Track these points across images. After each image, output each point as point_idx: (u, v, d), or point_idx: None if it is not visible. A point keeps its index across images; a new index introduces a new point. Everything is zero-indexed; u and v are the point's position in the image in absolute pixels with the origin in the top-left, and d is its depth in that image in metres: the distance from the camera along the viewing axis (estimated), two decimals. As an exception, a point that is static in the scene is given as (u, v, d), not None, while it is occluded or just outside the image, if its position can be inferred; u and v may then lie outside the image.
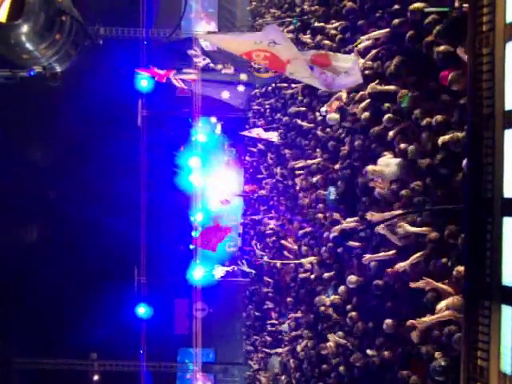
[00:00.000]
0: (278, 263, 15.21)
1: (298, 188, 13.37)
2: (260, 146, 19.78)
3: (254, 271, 19.61)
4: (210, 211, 26.66)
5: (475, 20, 5.01)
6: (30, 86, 21.28)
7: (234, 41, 8.36)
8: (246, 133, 18.52)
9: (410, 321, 6.62)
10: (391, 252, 7.55)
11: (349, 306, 9.33)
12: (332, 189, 10.22)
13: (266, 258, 17.34)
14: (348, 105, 9.43)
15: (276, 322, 16.55)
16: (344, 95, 9.72)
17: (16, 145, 25.61)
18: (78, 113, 24.64)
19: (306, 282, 12.26)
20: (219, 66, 10.40)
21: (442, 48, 6.21)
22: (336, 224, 9.87)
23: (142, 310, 25.77)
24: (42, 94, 23.62)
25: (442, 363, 5.96)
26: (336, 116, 10.09)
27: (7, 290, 24.56)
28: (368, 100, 8.49)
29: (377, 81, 8.19)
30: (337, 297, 9.92)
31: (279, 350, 15.61)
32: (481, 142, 4.92)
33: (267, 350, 17.63)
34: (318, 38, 11.19)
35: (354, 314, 9.05)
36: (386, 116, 7.74)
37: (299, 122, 13.18)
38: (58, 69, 20.47)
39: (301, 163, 12.91)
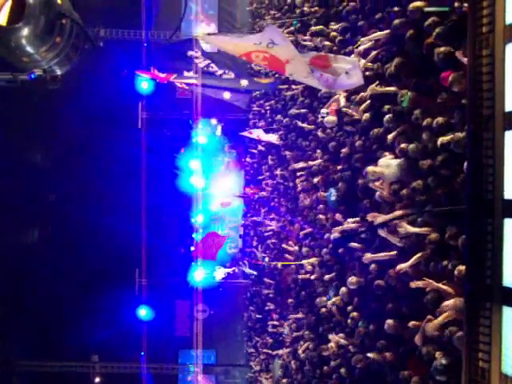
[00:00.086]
0: (279, 264, 15.21)
1: (298, 189, 13.38)
2: (260, 147, 19.78)
3: (255, 272, 19.60)
4: (210, 213, 26.65)
5: (475, 22, 5.01)
6: (30, 89, 21.25)
7: (233, 42, 8.37)
8: (246, 134, 18.51)
9: (414, 323, 6.62)
10: (392, 253, 7.55)
11: (350, 307, 9.33)
12: (333, 190, 10.22)
13: (266, 259, 17.35)
14: (348, 107, 9.43)
15: (277, 323, 16.54)
16: (342, 99, 9.73)
17: (17, 147, 25.62)
18: (79, 115, 24.63)
19: (307, 284, 12.26)
20: (219, 72, 10.40)
21: (442, 49, 6.21)
22: (337, 225, 9.88)
23: (143, 312, 25.75)
24: (43, 96, 23.62)
25: (444, 362, 5.96)
26: (333, 118, 10.11)
27: (9, 292, 24.56)
28: (368, 101, 8.50)
29: (376, 82, 8.20)
30: (338, 298, 9.92)
31: (280, 352, 15.60)
32: (481, 144, 4.93)
33: (268, 351, 17.62)
34: (319, 39, 11.20)
35: (355, 314, 9.05)
36: (387, 116, 7.74)
37: (299, 123, 13.19)
38: (59, 72, 20.49)
39: (301, 164, 12.91)
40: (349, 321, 9.16)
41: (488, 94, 4.89)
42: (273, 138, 16.28)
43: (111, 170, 25.41)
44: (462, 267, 5.62)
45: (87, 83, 24.08)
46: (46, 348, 25.65)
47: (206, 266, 24.16)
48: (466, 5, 5.75)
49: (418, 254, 6.81)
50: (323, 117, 10.54)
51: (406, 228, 6.84)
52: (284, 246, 15.20)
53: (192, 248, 26.29)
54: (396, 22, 7.47)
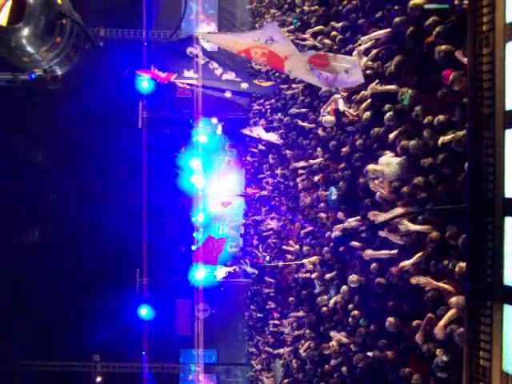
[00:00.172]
0: (280, 264, 15.21)
1: (299, 188, 13.38)
2: (261, 146, 19.78)
3: (256, 271, 19.60)
4: (210, 212, 26.67)
5: (475, 20, 5.01)
6: (30, 89, 21.28)
7: (232, 39, 8.40)
8: (246, 131, 18.48)
9: (418, 322, 6.62)
10: (393, 251, 7.56)
11: (351, 306, 9.33)
12: (333, 189, 10.23)
13: (267, 258, 17.36)
14: (348, 108, 9.44)
15: (278, 322, 16.55)
16: (340, 100, 9.75)
17: (17, 147, 25.64)
18: (79, 115, 24.65)
19: (308, 283, 12.27)
20: (219, 71, 10.37)
21: (443, 47, 6.21)
22: (338, 223, 9.89)
23: (144, 312, 25.78)
24: (43, 96, 23.64)
25: (445, 358, 5.96)
26: (331, 118, 10.13)
27: (10, 292, 24.59)
28: (369, 100, 8.50)
29: (376, 81, 8.20)
30: (339, 296, 9.92)
31: (281, 351, 15.60)
32: (481, 142, 4.93)
33: (270, 350, 17.63)
34: (319, 37, 11.20)
35: (356, 312, 9.05)
36: (388, 114, 7.74)
37: (300, 122, 13.20)
38: (59, 71, 20.49)
39: (302, 163, 12.92)
40: (350, 319, 9.16)
41: (488, 93, 4.89)
42: (273, 137, 16.27)
43: (112, 169, 25.44)
44: (463, 264, 5.62)
45: (87, 83, 24.10)
46: (47, 347, 25.68)
47: (207, 266, 24.17)
48: (466, 2, 5.75)
49: (420, 253, 6.81)
50: (325, 115, 10.56)
51: (407, 226, 6.85)
52: (284, 247, 15.20)
53: (193, 247, 26.33)
54: (396, 19, 7.47)
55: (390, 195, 7.60)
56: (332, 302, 10.13)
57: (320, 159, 11.57)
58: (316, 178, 11.66)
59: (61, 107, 24.68)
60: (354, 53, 8.65)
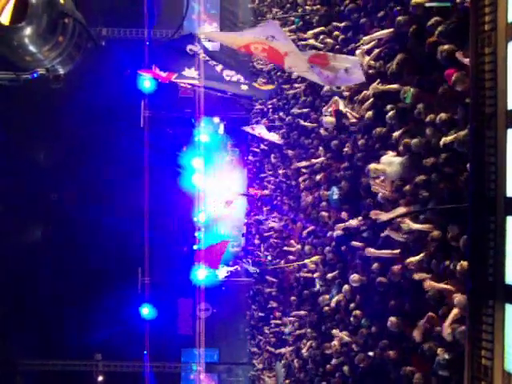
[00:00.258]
0: (282, 263, 15.21)
1: (301, 187, 13.38)
2: (263, 146, 19.79)
3: (258, 270, 19.60)
4: (211, 213, 26.66)
5: (477, 19, 5.01)
6: (33, 89, 21.27)
7: (232, 36, 8.41)
8: (248, 129, 18.39)
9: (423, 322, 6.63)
10: (396, 251, 7.56)
11: (352, 305, 9.33)
12: (335, 189, 10.23)
13: (269, 258, 17.35)
14: (350, 109, 9.44)
15: (279, 321, 16.55)
16: (341, 102, 9.75)
17: (19, 146, 25.66)
18: (81, 114, 24.67)
19: (310, 282, 12.27)
20: (220, 67, 10.35)
21: (445, 47, 6.20)
22: (340, 222, 9.89)
23: (146, 311, 25.79)
24: (45, 95, 23.63)
25: (446, 356, 5.97)
26: (332, 119, 10.14)
27: (11, 291, 24.61)
28: (371, 99, 8.50)
29: (378, 80, 8.20)
30: (341, 295, 9.92)
31: (283, 351, 15.60)
32: (483, 142, 4.93)
33: (272, 350, 17.63)
34: (321, 36, 11.19)
35: (358, 312, 9.05)
36: (390, 113, 7.73)
37: (302, 122, 13.19)
38: (61, 71, 20.47)
39: (304, 163, 12.92)
40: (352, 318, 9.16)
41: (490, 92, 4.89)
42: (274, 137, 16.25)
43: (114, 168, 25.43)
44: (465, 263, 5.62)
45: (90, 82, 24.09)
46: (49, 347, 25.72)
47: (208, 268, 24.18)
48: (467, 0, 5.76)
49: (422, 254, 6.82)
50: (327, 115, 10.57)
51: (409, 224, 6.86)
52: (286, 248, 15.19)
53: (195, 247, 26.35)
54: (399, 18, 7.47)
55: (392, 194, 7.60)
56: (334, 300, 10.13)
57: (322, 158, 11.57)
58: (318, 177, 11.66)
59: (63, 106, 24.69)
60: (358, 52, 8.64)
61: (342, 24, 10.26)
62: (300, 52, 7.87)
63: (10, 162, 24.64)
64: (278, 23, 8.26)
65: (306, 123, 12.90)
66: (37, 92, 22.93)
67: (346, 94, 9.72)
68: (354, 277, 8.99)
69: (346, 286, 9.58)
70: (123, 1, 26.29)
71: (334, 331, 9.95)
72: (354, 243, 8.86)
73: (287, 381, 14.98)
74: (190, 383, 27.69)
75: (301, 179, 13.33)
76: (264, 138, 17.81)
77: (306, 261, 12.16)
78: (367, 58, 8.47)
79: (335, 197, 10.23)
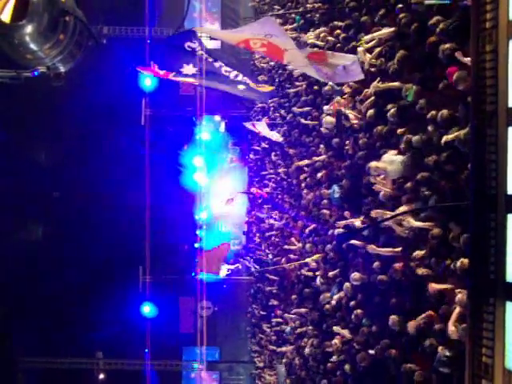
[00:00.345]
0: (283, 261, 15.20)
1: (302, 186, 13.37)
2: (264, 144, 19.78)
3: (258, 267, 19.61)
4: (213, 211, 26.70)
5: (478, 17, 5.00)
6: (34, 87, 21.29)
7: (230, 33, 8.39)
8: (249, 125, 18.34)
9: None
10: (397, 249, 7.56)
11: (353, 302, 9.32)
12: (336, 187, 10.21)
13: (270, 256, 17.35)
14: (353, 108, 9.44)
15: (281, 320, 16.55)
16: (342, 100, 9.74)
17: (20, 144, 25.70)
18: (82, 112, 24.70)
19: (311, 280, 12.26)
20: (218, 64, 10.32)
21: (447, 45, 6.19)
22: (341, 220, 9.89)
23: (147, 309, 25.82)
24: (46, 93, 23.66)
25: (447, 353, 5.96)
26: (332, 119, 10.13)
27: (13, 289, 24.65)
28: (372, 98, 8.49)
29: (378, 79, 8.19)
30: (342, 293, 9.91)
31: (284, 349, 15.60)
32: (484, 140, 4.93)
33: (273, 348, 17.63)
34: (322, 34, 11.18)
35: (359, 311, 9.04)
36: (392, 110, 7.71)
37: (303, 120, 13.18)
38: (62, 69, 20.49)
39: (306, 161, 12.91)
40: (352, 317, 9.16)
41: (491, 90, 4.88)
42: (275, 136, 16.20)
43: (115, 166, 25.47)
44: (466, 260, 5.62)
45: (91, 80, 24.12)
46: (51, 344, 25.76)
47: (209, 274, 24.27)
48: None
49: (423, 252, 6.83)
50: (328, 113, 10.56)
51: (410, 222, 6.86)
52: (286, 246, 15.18)
53: (196, 245, 26.39)
54: (400, 16, 7.46)
55: (393, 191, 7.59)
56: (335, 298, 10.12)
57: (323, 156, 11.57)
58: (319, 175, 11.66)
59: (64, 104, 24.72)
60: (359, 49, 8.63)
61: (344, 23, 10.25)
62: (299, 50, 7.87)
63: (11, 160, 24.67)
64: (275, 20, 8.25)
65: (307, 121, 12.89)
66: (38, 90, 22.96)
67: (347, 90, 9.69)
68: (355, 275, 8.98)
69: (347, 284, 9.57)
70: (124, -1, 26.35)
71: (335, 328, 9.94)
72: (354, 242, 8.84)
73: (288, 380, 14.99)
74: (191, 381, 27.74)
75: (302, 177, 13.33)
76: (264, 136, 17.77)
77: (307, 259, 12.16)
78: (368, 55, 8.46)
79: (336, 195, 10.22)
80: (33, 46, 17.98)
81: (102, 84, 23.57)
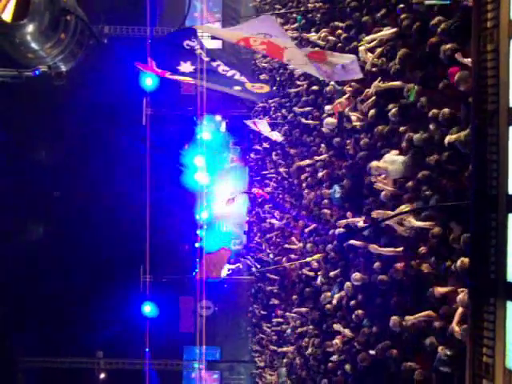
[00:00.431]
0: (284, 261, 15.20)
1: (303, 185, 13.37)
2: (265, 144, 19.78)
3: (259, 266, 19.60)
4: (213, 211, 26.69)
5: (479, 16, 5.00)
6: (35, 85, 21.34)
7: (231, 30, 8.39)
8: (250, 123, 18.32)
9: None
10: (398, 249, 7.56)
11: (353, 302, 9.31)
12: (337, 187, 10.21)
13: (271, 256, 17.34)
14: (354, 109, 9.43)
15: (281, 320, 16.55)
16: (344, 101, 9.74)
17: (20, 143, 25.70)
18: (83, 112, 24.71)
19: (311, 280, 12.26)
20: (216, 63, 10.29)
21: (448, 46, 6.19)
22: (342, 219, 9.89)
23: (148, 309, 25.83)
24: (47, 93, 23.68)
25: (448, 352, 5.96)
26: (333, 121, 10.12)
27: (13, 289, 24.66)
28: (373, 97, 8.49)
29: (379, 78, 8.19)
30: (342, 293, 9.91)
31: (285, 349, 15.60)
32: (485, 139, 4.92)
33: (273, 348, 17.63)
34: (323, 34, 11.17)
35: (360, 312, 9.03)
36: (393, 110, 7.71)
37: (304, 120, 13.18)
38: (63, 68, 20.53)
39: (307, 161, 12.91)
40: (353, 317, 9.15)
41: (492, 90, 4.88)
42: (275, 135, 16.19)
43: (116, 166, 25.48)
44: (466, 259, 5.61)
45: (92, 80, 24.13)
46: (51, 344, 25.77)
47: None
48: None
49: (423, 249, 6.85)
50: (330, 113, 10.55)
51: (411, 221, 6.86)
52: (287, 245, 15.18)
53: (196, 244, 26.37)
54: (402, 17, 7.46)
55: (394, 189, 7.59)
56: (336, 297, 10.12)
57: (325, 155, 11.56)
58: (320, 174, 11.65)
59: (65, 103, 24.72)
60: (361, 48, 8.63)
61: (345, 23, 10.24)
62: (298, 49, 7.88)
63: (11, 159, 24.68)
64: (274, 19, 8.24)
65: (308, 121, 12.88)
66: (39, 89, 22.99)
67: (349, 89, 9.68)
68: (356, 275, 8.97)
69: (347, 283, 9.56)
70: (126, -1, 26.35)
71: (336, 325, 9.93)
72: (354, 242, 8.84)
73: (289, 381, 14.99)
74: (192, 381, 27.74)
75: (303, 177, 13.32)
76: (265, 135, 17.75)
77: (308, 259, 12.15)
78: (370, 54, 8.46)
79: (337, 195, 10.21)
80: (34, 45, 18.02)
81: (103, 83, 23.57)
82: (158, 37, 25.40)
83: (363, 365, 8.62)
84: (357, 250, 9.16)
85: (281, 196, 16.86)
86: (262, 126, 16.60)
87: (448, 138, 6.10)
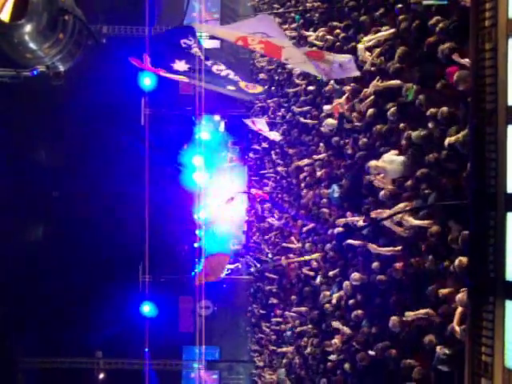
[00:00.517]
0: (283, 260, 15.18)
1: (302, 185, 13.37)
2: (264, 144, 19.78)
3: (258, 265, 19.59)
4: (212, 210, 26.65)
5: (478, 15, 5.00)
6: (33, 86, 21.29)
7: (228, 30, 8.39)
8: (249, 122, 18.31)
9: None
10: (397, 248, 7.56)
11: (352, 301, 9.31)
12: (335, 187, 10.20)
13: (270, 255, 17.34)
14: (352, 110, 9.43)
15: (280, 319, 16.54)
16: (343, 101, 9.74)
17: (19, 144, 25.67)
18: (82, 112, 24.66)
19: (310, 280, 12.26)
20: (209, 62, 10.25)
21: (446, 45, 6.19)
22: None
23: (147, 309, 25.81)
24: (46, 93, 23.64)
25: (447, 351, 5.96)
26: (333, 122, 10.12)
27: (13, 289, 24.63)
28: (372, 97, 8.49)
29: (377, 78, 8.19)
30: (341, 292, 9.90)
31: (284, 349, 15.59)
32: (484, 138, 4.92)
33: (273, 347, 17.63)
34: (321, 33, 11.17)
35: (359, 312, 9.03)
36: (392, 109, 7.71)
37: (302, 119, 13.18)
38: (62, 68, 20.50)
39: (306, 161, 12.90)
40: (352, 316, 9.14)
41: (491, 88, 4.88)
42: (273, 135, 16.18)
43: (114, 166, 25.46)
44: (464, 258, 5.61)
45: (90, 80, 24.10)
46: (51, 345, 25.76)
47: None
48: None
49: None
50: (328, 113, 10.54)
51: (409, 221, 6.86)
52: (285, 244, 15.16)
53: (195, 244, 26.35)
54: (400, 18, 7.47)
55: (393, 188, 7.59)
56: (335, 296, 10.11)
57: (323, 155, 11.56)
58: (319, 174, 11.65)
59: (63, 103, 24.68)
60: (360, 46, 8.63)
61: (343, 23, 10.24)
62: (296, 48, 7.90)
63: (10, 159, 24.65)
64: (272, 18, 8.23)
65: (306, 120, 12.88)
66: (37, 89, 22.94)
67: (348, 88, 9.68)
68: (355, 275, 8.97)
69: (346, 283, 9.56)
70: (124, -2, 26.35)
71: (335, 323, 9.91)
72: (352, 242, 8.83)
73: (288, 381, 14.98)
74: (191, 381, 27.73)
75: (301, 176, 13.32)
76: (263, 135, 17.74)
77: (306, 257, 12.14)
78: (368, 53, 8.46)
79: (336, 195, 10.21)
80: (32, 45, 17.99)
81: (101, 83, 23.54)
82: (156, 34, 25.36)
83: (362, 364, 8.62)
84: (356, 249, 9.16)
85: (279, 195, 16.85)
86: (261, 125, 16.59)
87: (448, 140, 6.10)
